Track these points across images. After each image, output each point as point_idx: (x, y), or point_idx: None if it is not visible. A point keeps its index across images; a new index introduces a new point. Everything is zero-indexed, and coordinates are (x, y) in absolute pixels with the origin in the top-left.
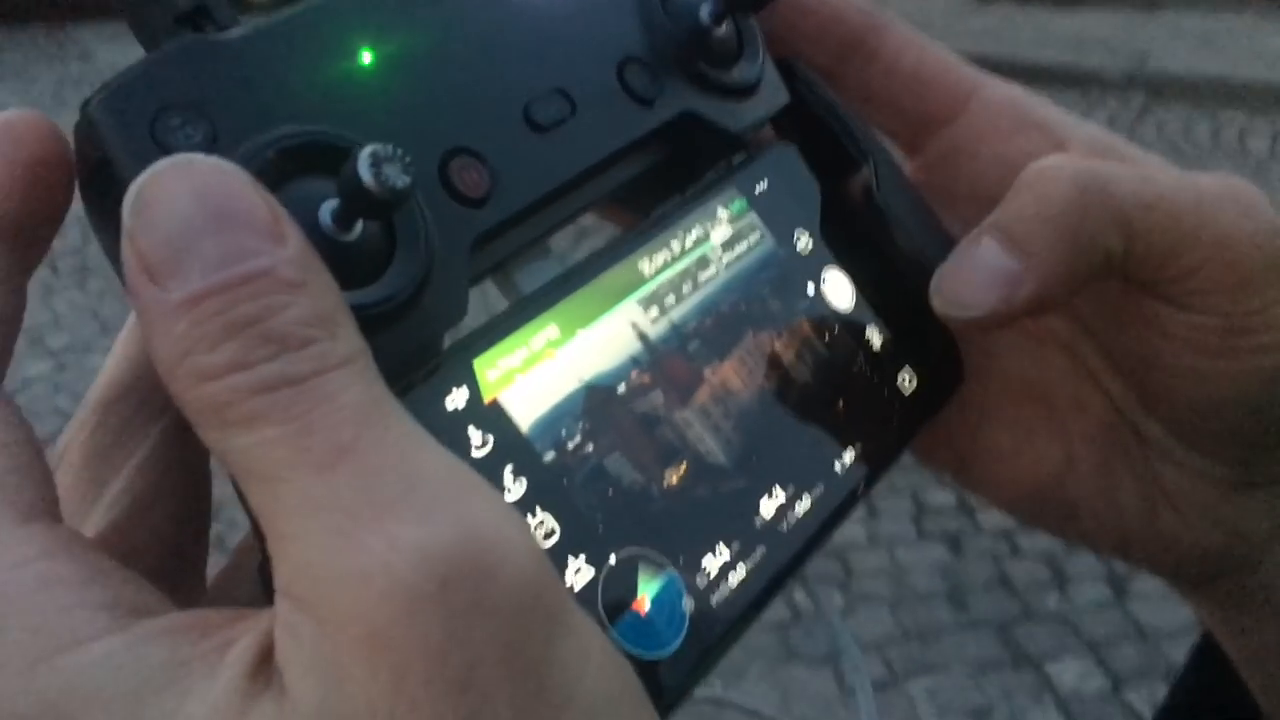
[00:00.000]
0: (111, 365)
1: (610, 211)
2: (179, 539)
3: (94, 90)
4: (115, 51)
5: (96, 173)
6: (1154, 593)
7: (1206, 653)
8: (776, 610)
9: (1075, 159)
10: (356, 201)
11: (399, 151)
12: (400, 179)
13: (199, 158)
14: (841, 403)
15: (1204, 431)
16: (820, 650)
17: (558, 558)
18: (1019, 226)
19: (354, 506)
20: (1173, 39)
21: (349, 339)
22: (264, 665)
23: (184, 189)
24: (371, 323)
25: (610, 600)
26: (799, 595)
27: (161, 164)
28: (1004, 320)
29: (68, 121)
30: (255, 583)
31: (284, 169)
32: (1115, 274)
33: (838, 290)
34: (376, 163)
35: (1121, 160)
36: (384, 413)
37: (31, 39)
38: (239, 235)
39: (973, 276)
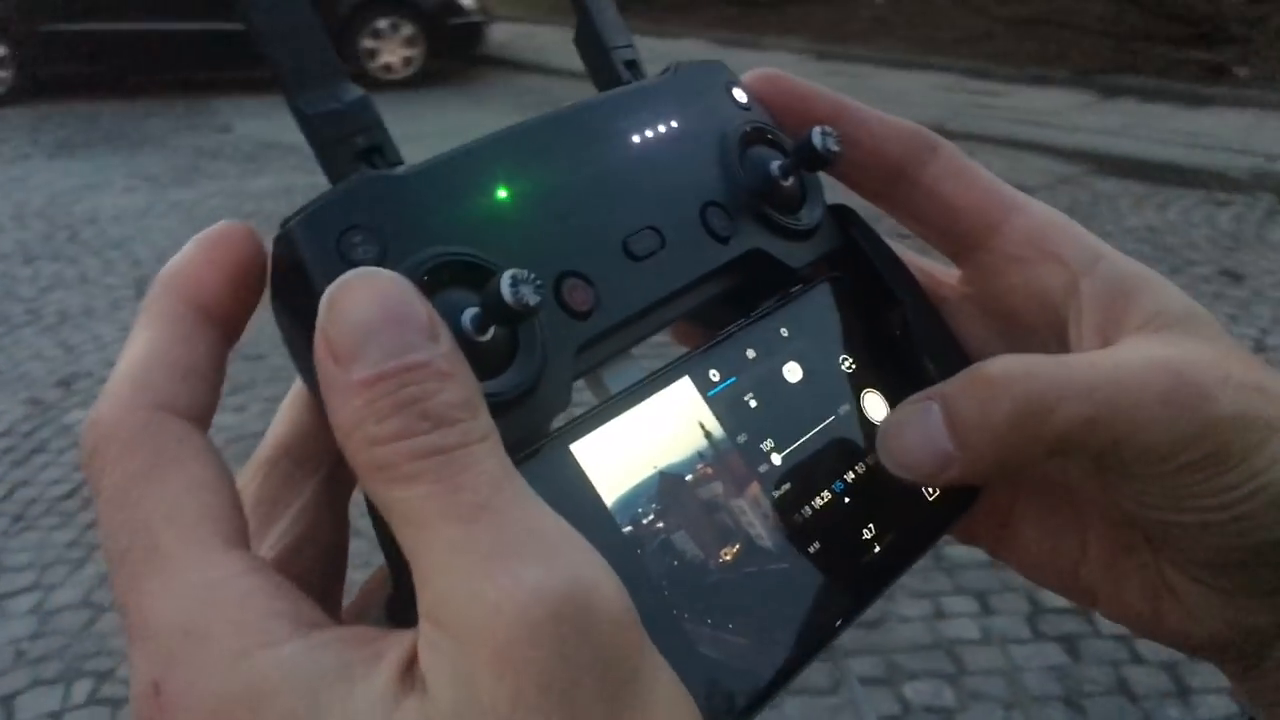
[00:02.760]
0: (277, 427)
1: (681, 332)
2: (325, 573)
3: (291, 212)
4: (250, 125)
5: (290, 276)
6: None
7: None
8: (884, 703)
9: (1028, 370)
10: (496, 312)
11: (533, 276)
12: (532, 297)
13: (378, 271)
14: (873, 504)
15: (1185, 554)
16: None
17: None
18: (961, 421)
19: (488, 551)
20: None
21: (486, 420)
22: (409, 672)
23: (366, 294)
24: (496, 408)
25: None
26: (907, 690)
27: (350, 274)
28: (932, 483)
29: (205, 189)
30: (381, 612)
31: (436, 281)
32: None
33: (875, 409)
34: (516, 283)
35: (1129, 302)
36: (512, 480)
37: (176, 110)
38: (405, 333)
39: (914, 445)
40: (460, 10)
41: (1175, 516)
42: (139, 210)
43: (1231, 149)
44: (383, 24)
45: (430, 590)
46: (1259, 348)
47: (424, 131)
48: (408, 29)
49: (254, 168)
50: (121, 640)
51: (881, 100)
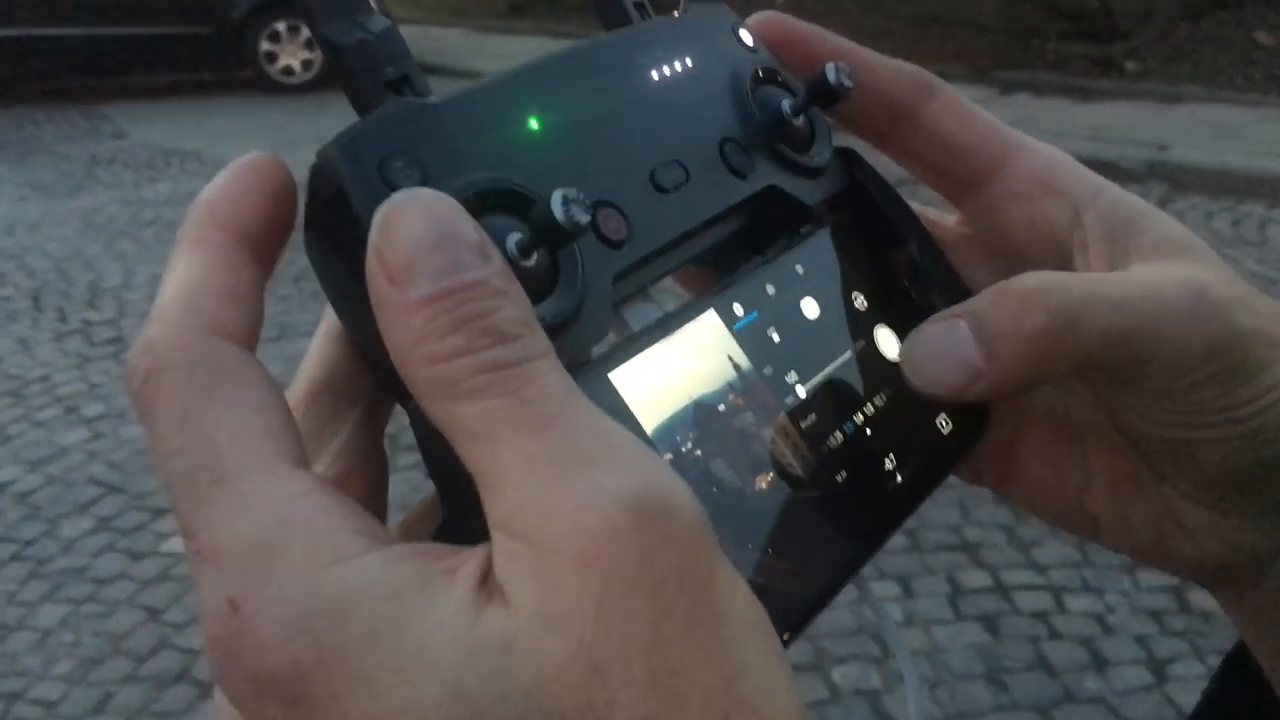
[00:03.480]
0: (313, 365)
1: (688, 279)
2: (372, 508)
3: (325, 143)
4: (146, 131)
5: (330, 203)
6: (1192, 675)
7: (1236, 665)
8: (814, 689)
9: (1062, 282)
10: (545, 233)
11: (582, 195)
12: (583, 216)
13: (427, 191)
14: (892, 435)
15: (1193, 475)
16: None
17: None
18: (993, 332)
19: (563, 460)
20: (1192, 130)
21: (543, 337)
22: (486, 582)
23: (418, 214)
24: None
25: None
26: (835, 674)
27: (400, 195)
28: (957, 398)
29: (101, 197)
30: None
31: (477, 207)
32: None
33: (888, 344)
34: (567, 203)
35: (1134, 231)
36: (576, 394)
37: (68, 117)
38: (459, 252)
39: (941, 357)
40: None
41: (1190, 433)
42: (33, 220)
43: (1125, 140)
44: (281, 27)
45: (504, 502)
46: None
47: (326, 135)
48: (307, 32)
49: (151, 174)
50: None
51: None
